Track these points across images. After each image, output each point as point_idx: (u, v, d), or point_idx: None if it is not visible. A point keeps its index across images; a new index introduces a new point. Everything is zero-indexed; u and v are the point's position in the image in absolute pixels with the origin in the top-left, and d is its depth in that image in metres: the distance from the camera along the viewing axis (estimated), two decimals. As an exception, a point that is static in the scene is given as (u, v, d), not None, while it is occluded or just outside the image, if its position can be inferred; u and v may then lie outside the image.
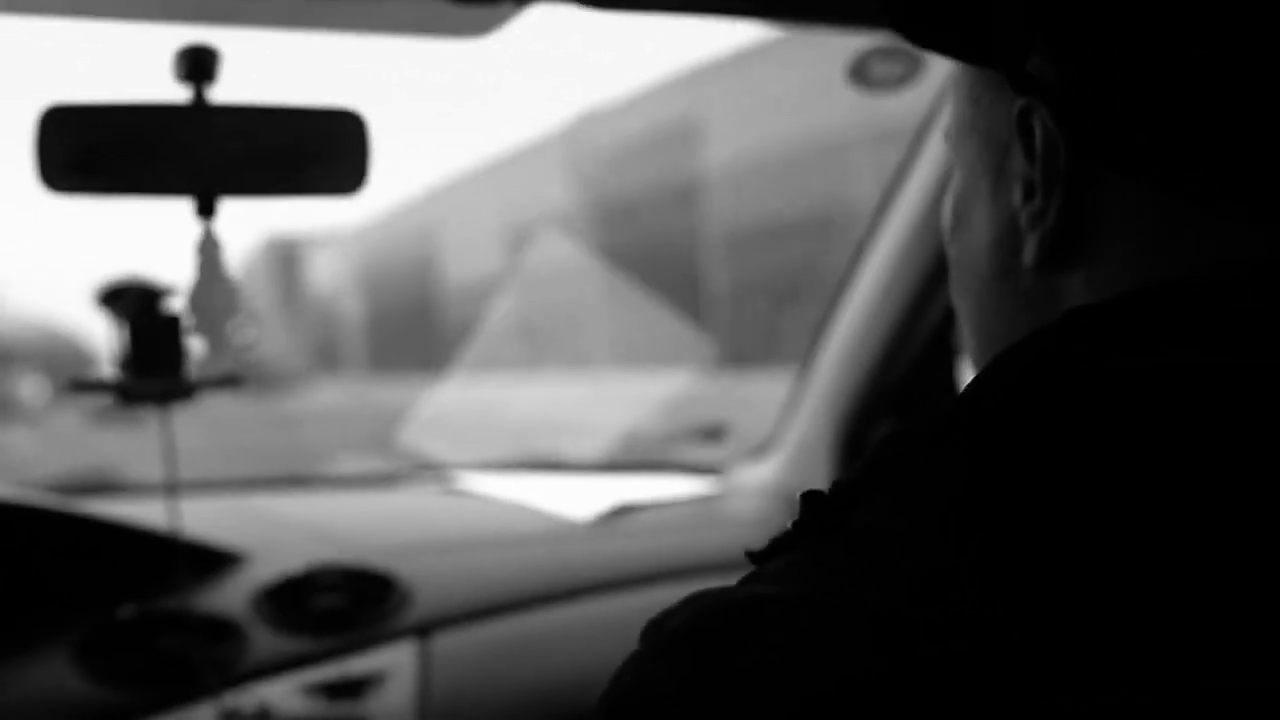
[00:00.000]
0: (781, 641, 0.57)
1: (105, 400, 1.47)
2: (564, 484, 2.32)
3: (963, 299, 0.77)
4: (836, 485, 0.66)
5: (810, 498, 0.66)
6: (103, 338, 1.40)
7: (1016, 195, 0.69)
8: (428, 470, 2.43)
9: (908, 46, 1.52)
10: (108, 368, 1.40)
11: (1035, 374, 0.63)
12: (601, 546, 1.98)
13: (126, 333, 1.39)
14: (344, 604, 1.68)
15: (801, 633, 0.57)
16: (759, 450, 2.35)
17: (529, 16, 1.22)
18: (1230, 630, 0.55)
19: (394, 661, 1.63)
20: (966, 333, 0.78)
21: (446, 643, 1.68)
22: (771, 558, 0.66)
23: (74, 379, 1.43)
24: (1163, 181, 0.63)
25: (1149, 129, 0.62)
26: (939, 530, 0.59)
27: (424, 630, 1.68)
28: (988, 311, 0.74)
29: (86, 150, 1.17)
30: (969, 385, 0.66)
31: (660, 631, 0.62)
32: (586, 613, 1.79)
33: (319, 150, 1.20)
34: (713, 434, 3.05)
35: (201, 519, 1.75)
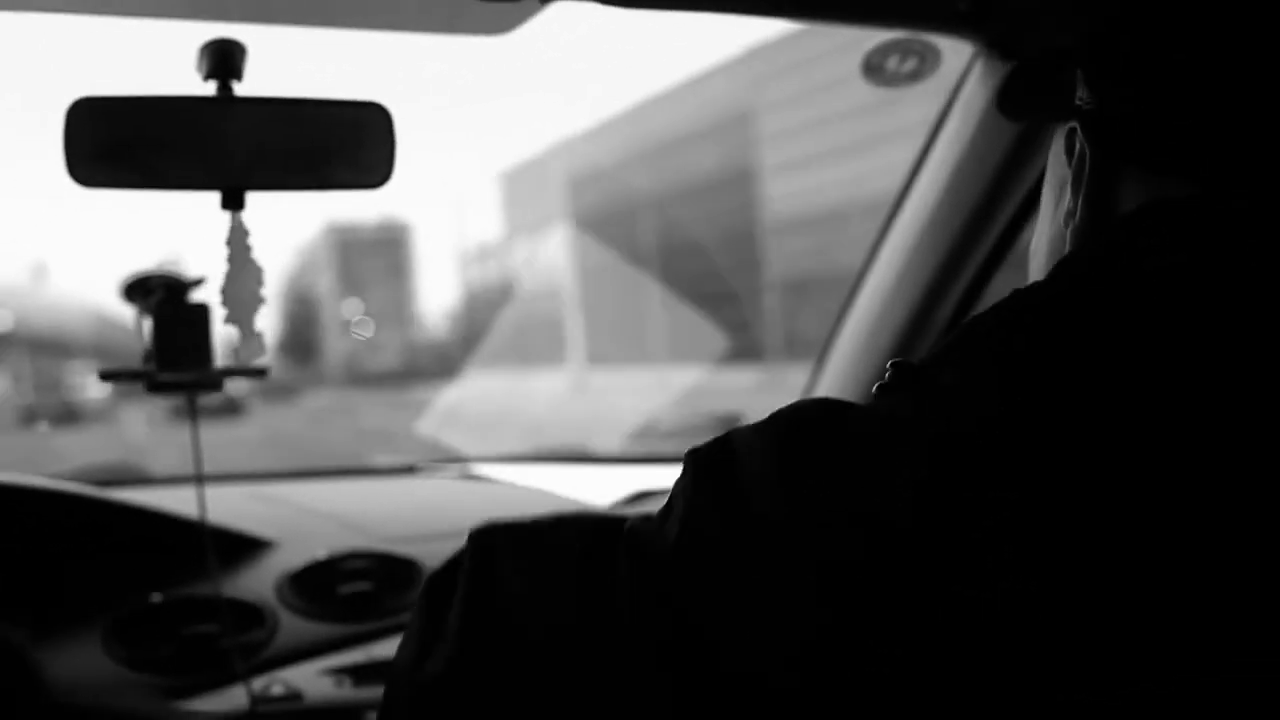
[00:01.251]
0: (865, 443, 0.67)
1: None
2: (584, 473, 2.35)
3: None
4: (923, 359, 0.75)
5: (900, 365, 0.75)
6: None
7: (1068, 206, 0.82)
8: (449, 461, 2.45)
9: (920, 42, 1.55)
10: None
11: (1086, 278, 0.73)
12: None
13: (154, 324, 1.41)
14: (370, 589, 1.70)
15: (878, 439, 0.67)
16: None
17: (549, 13, 1.23)
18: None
19: None
20: None
21: None
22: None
23: (103, 370, 1.45)
24: (1174, 170, 0.75)
25: (1154, 130, 0.76)
26: (994, 393, 0.67)
27: None
28: None
29: (113, 144, 1.19)
30: (1052, 270, 0.76)
31: (764, 420, 0.72)
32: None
33: (344, 143, 1.22)
34: (728, 424, 3.07)
35: (228, 508, 1.78)
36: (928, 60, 1.60)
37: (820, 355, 2.25)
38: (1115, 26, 0.79)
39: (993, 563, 0.60)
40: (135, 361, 1.43)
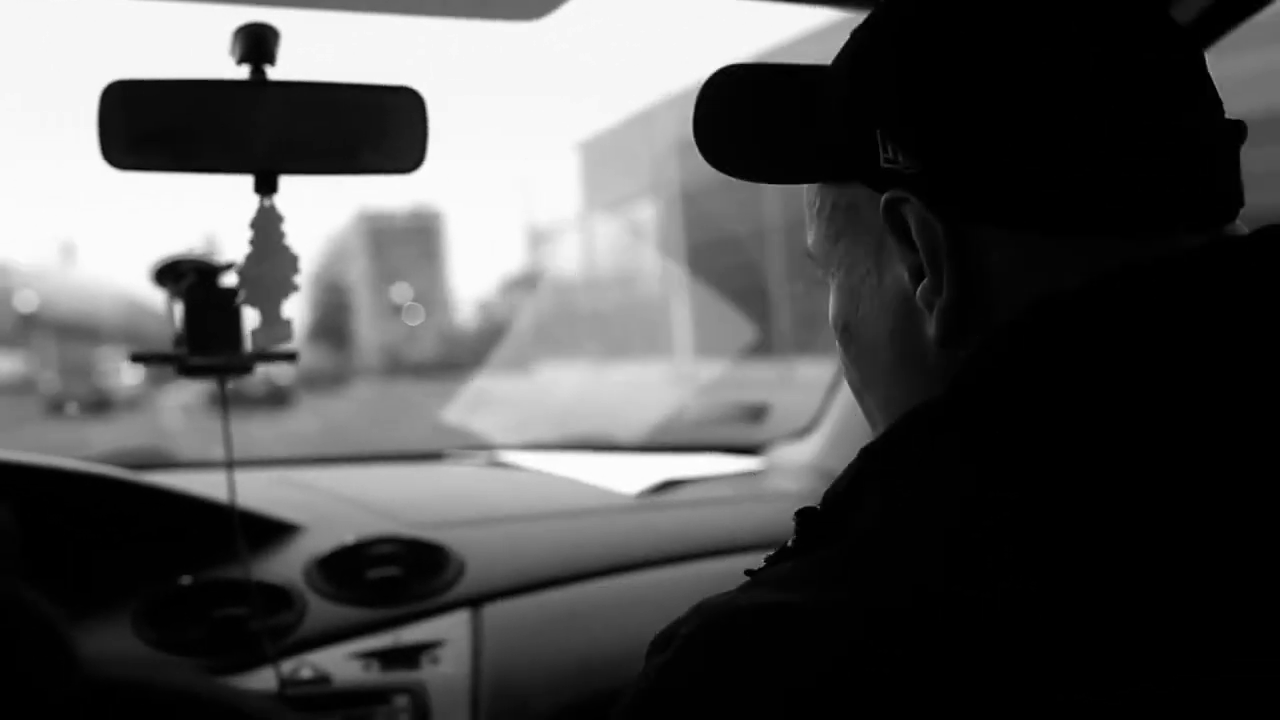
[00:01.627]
0: (784, 647, 0.60)
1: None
2: (610, 461, 2.35)
3: (871, 391, 0.80)
4: (828, 497, 0.70)
5: (805, 514, 0.70)
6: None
7: (905, 280, 0.73)
8: (476, 447, 2.46)
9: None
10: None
11: (1024, 359, 0.66)
12: (648, 520, 2.00)
13: (185, 308, 1.42)
14: (399, 574, 1.71)
15: (801, 639, 0.60)
16: (802, 431, 2.37)
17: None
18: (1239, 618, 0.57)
19: (447, 631, 1.66)
20: (879, 420, 0.81)
21: (498, 613, 1.71)
22: (771, 568, 0.69)
23: (135, 352, 1.46)
24: (1036, 225, 0.68)
25: (1016, 184, 0.68)
26: (943, 528, 0.61)
27: (476, 601, 1.71)
28: (900, 397, 0.76)
29: (147, 127, 1.19)
30: (951, 382, 0.68)
31: (672, 640, 0.66)
32: (634, 585, 1.82)
33: (377, 128, 1.22)
34: (755, 415, 3.06)
35: (257, 492, 1.79)
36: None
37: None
38: (904, 61, 0.71)
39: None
40: (165, 347, 1.44)
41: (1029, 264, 0.68)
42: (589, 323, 34.43)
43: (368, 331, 51.25)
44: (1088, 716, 0.55)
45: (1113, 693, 0.55)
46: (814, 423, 2.32)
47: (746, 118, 0.81)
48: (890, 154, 0.71)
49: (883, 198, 0.72)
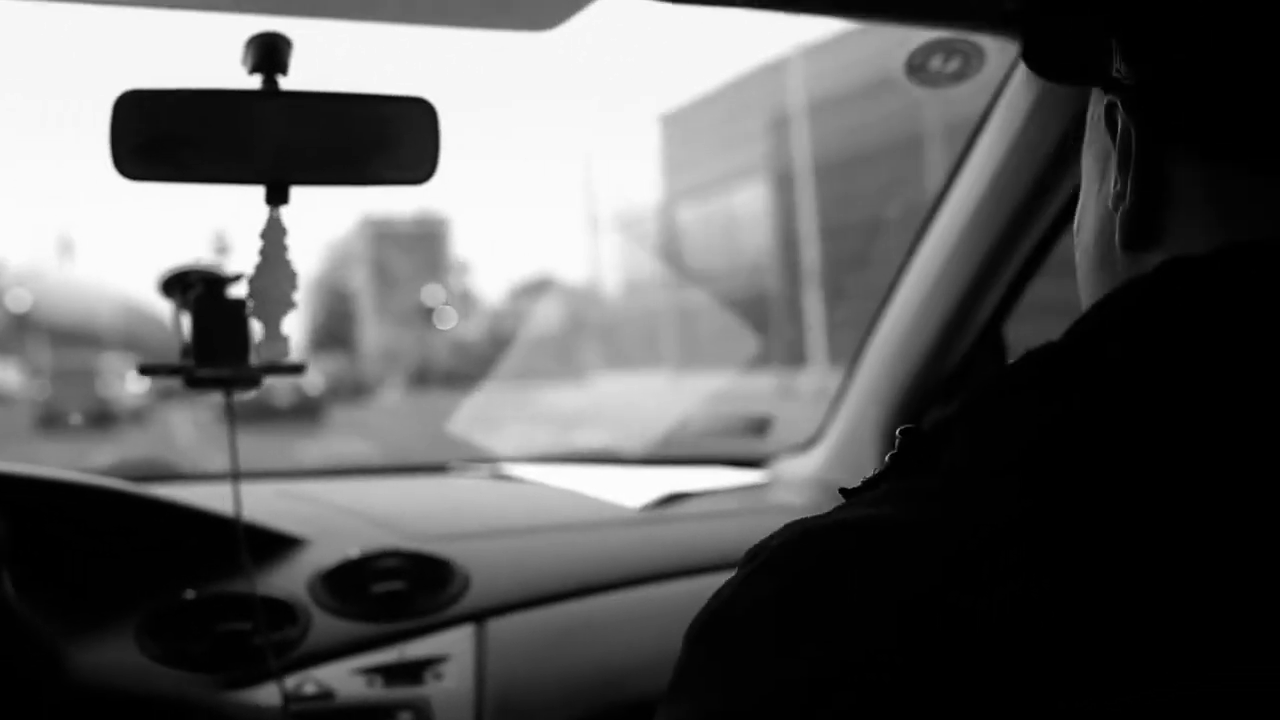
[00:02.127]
0: (863, 566, 0.62)
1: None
2: (614, 474, 2.34)
3: (1083, 291, 0.83)
4: (932, 422, 0.71)
5: (909, 433, 0.72)
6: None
7: (1113, 184, 0.77)
8: (479, 461, 2.45)
9: (966, 42, 1.54)
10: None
11: (1128, 318, 0.68)
12: (652, 534, 1.99)
13: (191, 319, 1.41)
14: (403, 588, 1.70)
15: (881, 558, 0.61)
16: (806, 444, 2.36)
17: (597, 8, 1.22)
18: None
19: (452, 646, 1.65)
20: None
21: (502, 628, 1.70)
22: (864, 492, 0.70)
23: (141, 364, 1.46)
24: (1230, 155, 0.70)
25: (1212, 109, 0.70)
26: (1007, 476, 0.63)
27: (480, 616, 1.70)
28: (1097, 296, 0.77)
29: (159, 137, 1.19)
30: (1071, 327, 0.71)
31: (761, 551, 0.67)
32: (638, 599, 1.81)
33: (389, 139, 1.22)
34: (759, 427, 3.06)
35: (261, 505, 1.78)
36: (972, 61, 1.59)
37: (852, 360, 2.24)
38: None
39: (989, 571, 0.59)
40: (166, 356, 1.43)
41: (1209, 191, 0.71)
42: (667, 325, 31.40)
43: (386, 338, 50.15)
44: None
45: (1113, 699, 0.55)
46: (818, 435, 2.31)
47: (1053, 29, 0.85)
48: (1119, 63, 0.75)
49: (1104, 102, 0.77)
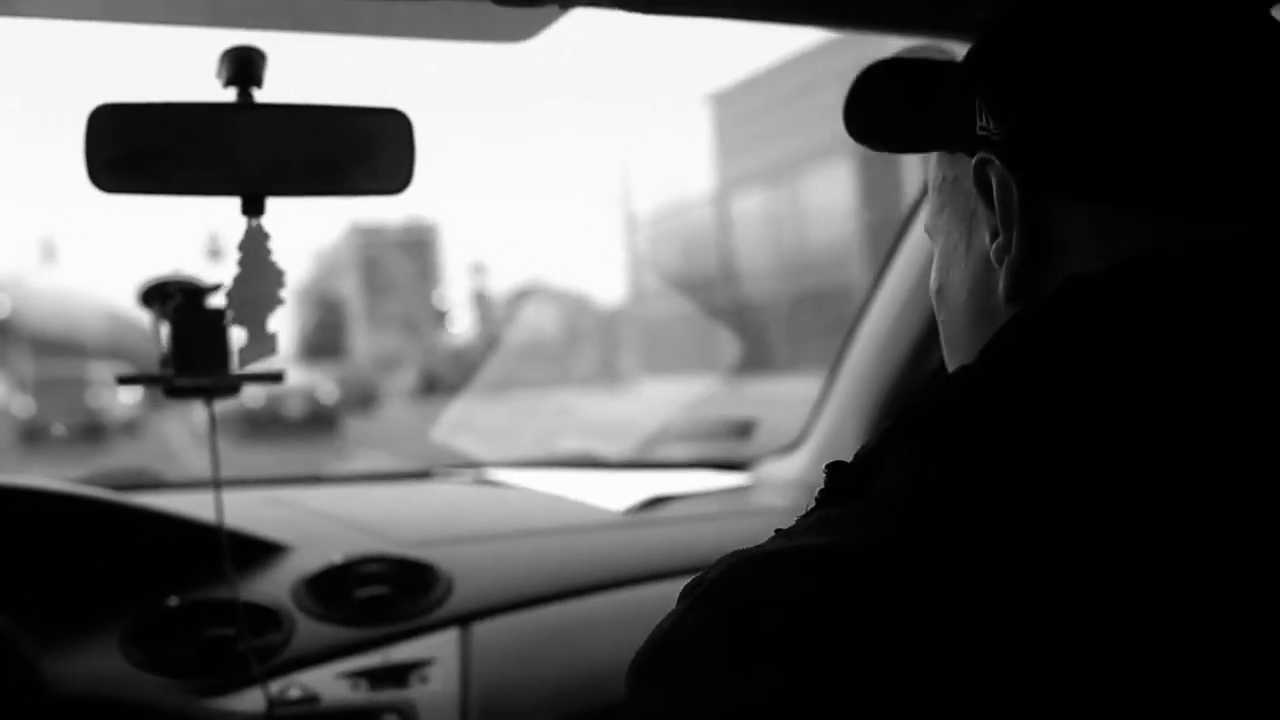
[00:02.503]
0: (811, 589, 0.62)
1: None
2: (596, 478, 2.35)
3: (952, 352, 0.85)
4: (860, 454, 0.72)
5: (835, 467, 0.73)
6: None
7: (986, 241, 0.78)
8: (462, 466, 2.46)
9: (939, 49, 1.55)
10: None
11: (1048, 336, 0.69)
12: (635, 537, 2.01)
13: (171, 329, 1.43)
14: (387, 593, 1.71)
15: (830, 580, 0.62)
16: (788, 447, 2.37)
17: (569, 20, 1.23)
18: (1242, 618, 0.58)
19: (436, 650, 1.66)
20: None
21: (486, 631, 1.71)
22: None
23: (121, 375, 1.47)
24: (1117, 198, 0.72)
25: (1087, 152, 0.72)
26: (970, 486, 0.64)
27: (465, 619, 1.71)
28: (972, 353, 0.78)
29: (135, 150, 1.20)
30: (981, 351, 0.73)
31: (697, 586, 0.68)
32: (622, 602, 1.82)
33: (364, 149, 1.23)
34: (742, 431, 3.07)
35: (244, 512, 1.79)
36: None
37: (834, 364, 2.26)
38: (1005, 41, 0.78)
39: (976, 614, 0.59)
40: (150, 366, 1.45)
41: (1095, 233, 0.73)
42: (718, 326, 29.34)
43: (360, 346, 49.24)
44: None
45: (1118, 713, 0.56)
46: (801, 438, 2.33)
47: (889, 100, 0.89)
48: (984, 121, 0.76)
49: (973, 159, 0.77)
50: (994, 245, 0.77)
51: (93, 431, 21.87)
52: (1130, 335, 0.67)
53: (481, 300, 46.86)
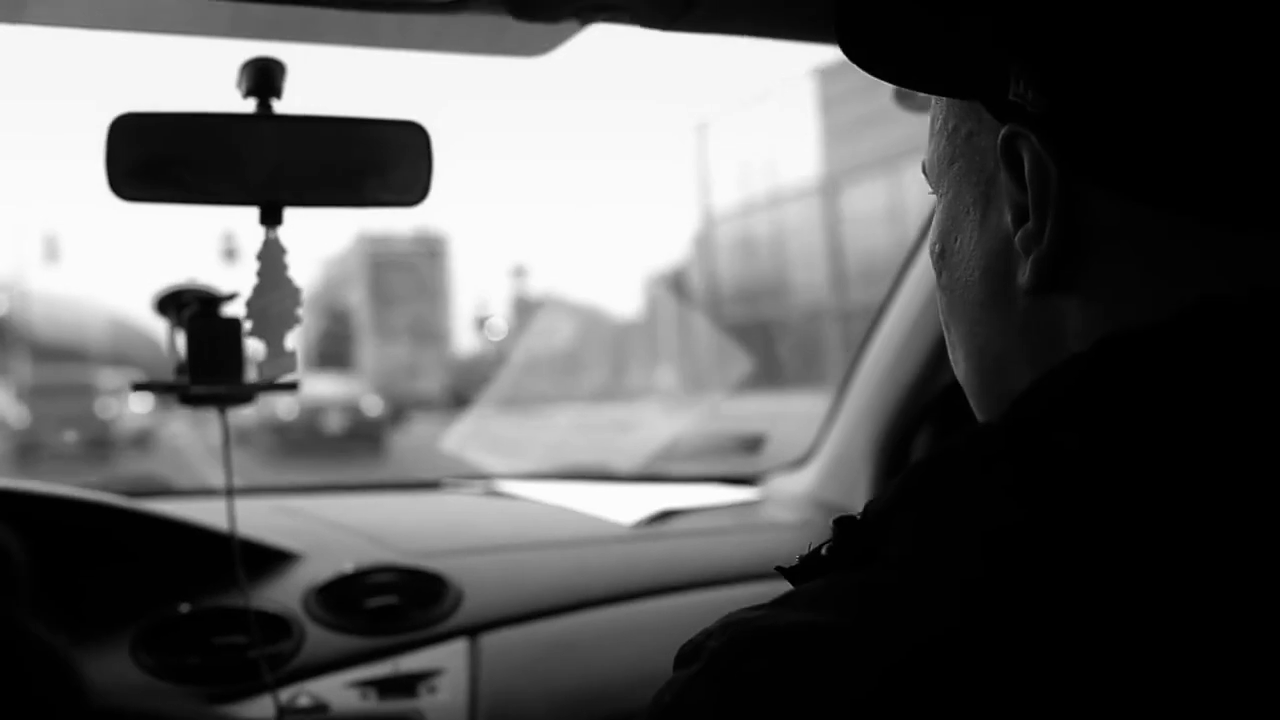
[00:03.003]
0: (816, 672, 0.59)
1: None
2: (606, 492, 2.36)
3: (957, 324, 0.77)
4: (870, 511, 0.67)
5: (844, 523, 0.68)
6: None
7: (1007, 220, 0.70)
8: (473, 477, 2.47)
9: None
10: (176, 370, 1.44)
11: (1075, 402, 0.63)
12: (644, 550, 2.01)
13: (186, 337, 1.43)
14: (397, 603, 1.71)
15: (837, 664, 0.58)
16: (797, 462, 2.38)
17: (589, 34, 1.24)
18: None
19: (445, 660, 1.67)
20: (960, 356, 0.78)
21: (496, 643, 1.71)
22: (804, 576, 0.68)
23: (135, 382, 1.48)
24: (1163, 199, 0.63)
25: (1145, 147, 0.63)
26: (986, 563, 0.59)
27: (473, 630, 1.72)
28: (982, 336, 0.74)
29: (155, 159, 1.22)
30: (1009, 410, 0.66)
31: (698, 654, 0.64)
32: (630, 615, 1.82)
33: (382, 162, 1.24)
34: (752, 445, 3.07)
35: (255, 520, 1.79)
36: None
37: (844, 379, 2.26)
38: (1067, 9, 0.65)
39: None
40: (156, 374, 1.45)
41: (1133, 237, 0.65)
42: (832, 333, 27.31)
43: (369, 357, 48.48)
44: None
45: None
46: (810, 453, 2.33)
47: (897, 13, 0.75)
48: (1021, 88, 0.66)
49: (1002, 130, 0.68)
50: (1021, 230, 0.68)
51: (99, 445, 20.00)
52: (1188, 408, 0.60)
53: (522, 305, 44.72)
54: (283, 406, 20.24)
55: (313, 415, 21.63)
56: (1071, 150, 0.65)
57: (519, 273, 46.55)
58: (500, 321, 45.49)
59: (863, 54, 0.76)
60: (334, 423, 22.07)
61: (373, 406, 23.68)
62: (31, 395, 21.32)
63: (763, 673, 0.60)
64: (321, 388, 23.17)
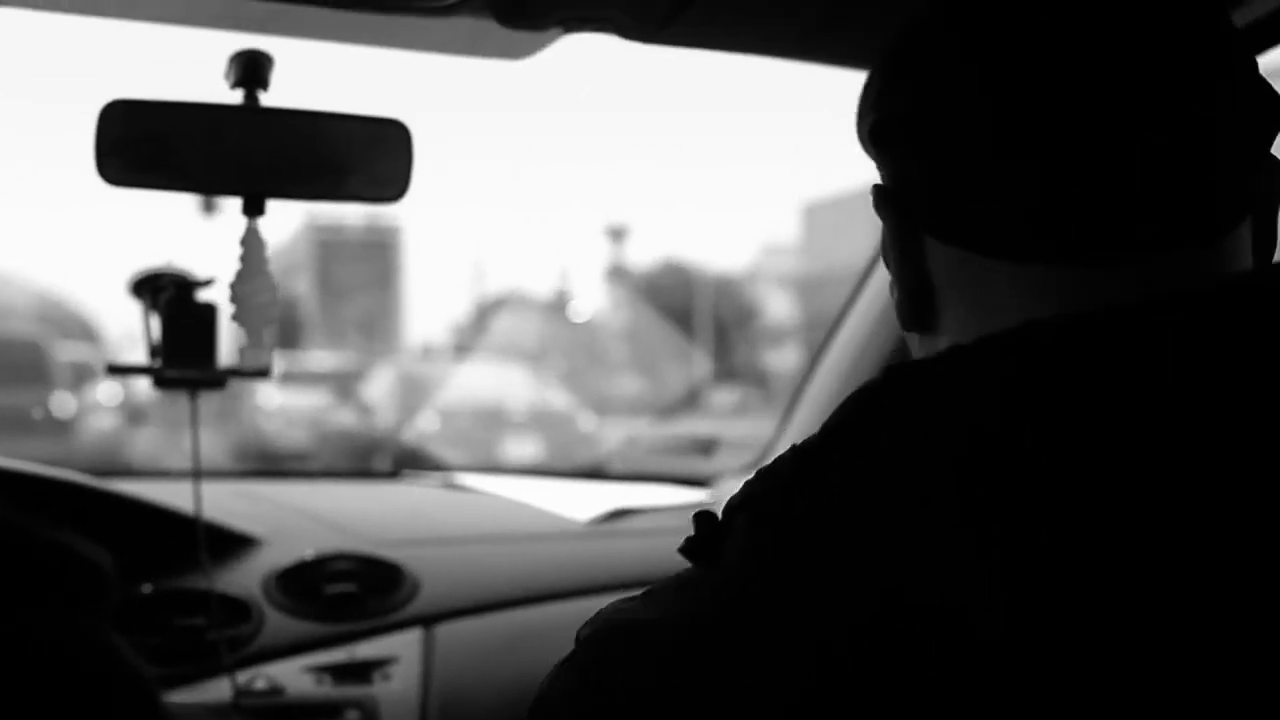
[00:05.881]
0: (648, 665, 0.66)
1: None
2: (563, 488, 2.38)
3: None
4: (727, 505, 0.73)
5: (700, 518, 0.73)
6: (110, 315, 1.36)
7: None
8: (431, 469, 2.49)
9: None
10: (144, 350, 1.45)
11: (848, 427, 0.69)
12: (597, 547, 2.04)
13: (162, 321, 1.45)
14: (355, 591, 1.74)
15: (664, 659, 0.65)
16: (750, 465, 2.42)
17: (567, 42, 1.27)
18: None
19: (400, 648, 1.69)
20: None
21: (449, 633, 1.74)
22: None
23: (110, 364, 1.50)
24: (982, 246, 0.72)
25: (964, 206, 0.72)
26: (777, 566, 0.66)
27: (429, 620, 1.75)
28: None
29: (143, 145, 1.24)
30: (823, 426, 0.71)
31: (576, 640, 0.72)
32: (582, 610, 1.82)
33: (364, 157, 1.27)
34: (704, 448, 3.11)
35: (218, 504, 1.81)
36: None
37: (799, 385, 2.30)
38: (870, 85, 0.78)
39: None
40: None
41: (963, 281, 0.74)
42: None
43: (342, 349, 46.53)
44: None
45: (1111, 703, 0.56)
46: (761, 458, 2.37)
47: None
48: (882, 172, 0.79)
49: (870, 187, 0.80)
50: (890, 278, 0.79)
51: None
52: (911, 443, 0.65)
53: (619, 274, 37.75)
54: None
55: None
56: (899, 210, 0.77)
57: (616, 234, 38.34)
58: (581, 304, 37.45)
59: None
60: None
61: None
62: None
63: (608, 664, 0.68)
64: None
